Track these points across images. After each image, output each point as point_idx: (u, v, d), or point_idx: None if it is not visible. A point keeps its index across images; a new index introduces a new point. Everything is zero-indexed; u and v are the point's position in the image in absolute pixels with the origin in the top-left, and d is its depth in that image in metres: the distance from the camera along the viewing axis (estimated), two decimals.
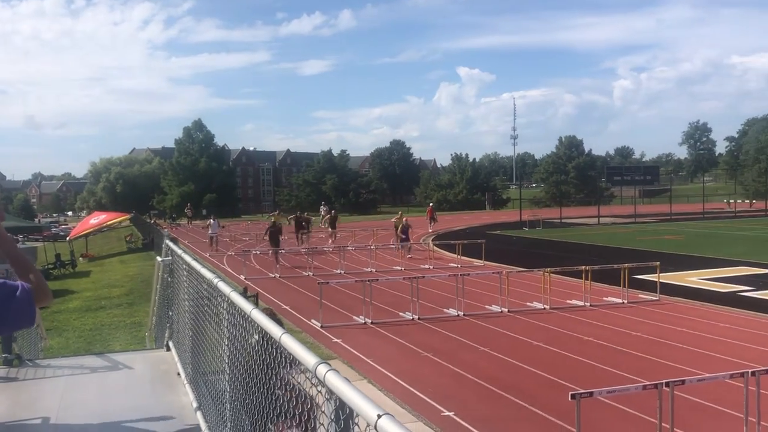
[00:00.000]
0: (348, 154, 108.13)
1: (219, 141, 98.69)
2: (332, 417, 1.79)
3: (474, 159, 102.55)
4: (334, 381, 1.71)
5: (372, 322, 13.90)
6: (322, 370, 1.76)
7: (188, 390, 5.33)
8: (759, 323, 13.35)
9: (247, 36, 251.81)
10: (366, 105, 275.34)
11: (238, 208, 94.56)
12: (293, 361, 2.75)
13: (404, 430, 1.37)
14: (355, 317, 14.33)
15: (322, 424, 2.42)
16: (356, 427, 1.63)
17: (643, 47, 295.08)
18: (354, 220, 59.99)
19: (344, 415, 1.71)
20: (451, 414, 8.33)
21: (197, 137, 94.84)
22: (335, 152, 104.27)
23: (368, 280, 15.61)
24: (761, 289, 17.02)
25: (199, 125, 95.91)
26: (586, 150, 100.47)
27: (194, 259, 5.26)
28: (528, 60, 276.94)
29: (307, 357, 1.93)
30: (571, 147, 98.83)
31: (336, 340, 12.46)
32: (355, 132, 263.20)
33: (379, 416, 1.44)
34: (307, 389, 3.30)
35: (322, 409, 2.09)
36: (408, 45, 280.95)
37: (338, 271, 22.01)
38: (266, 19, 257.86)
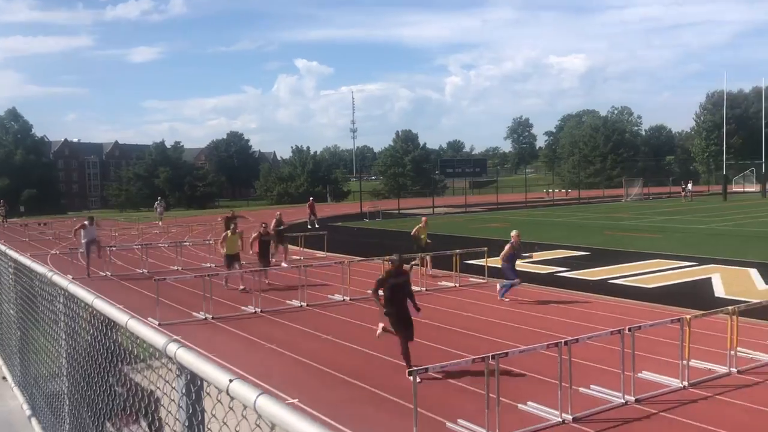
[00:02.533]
0: (182, 146, 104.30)
1: (37, 132, 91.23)
2: (183, 391, 1.88)
3: (315, 152, 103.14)
4: (186, 356, 1.80)
5: (213, 318, 13.68)
6: (172, 348, 1.84)
7: (17, 393, 5.03)
8: (573, 300, 14.82)
9: (66, 18, 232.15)
10: (200, 95, 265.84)
11: (62, 204, 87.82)
12: (135, 357, 2.77)
13: (252, 390, 1.50)
14: (195, 313, 14.01)
15: (160, 418, 2.48)
16: (207, 397, 1.74)
17: (471, 46, 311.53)
18: (191, 214, 58.10)
19: (196, 387, 1.81)
20: (295, 401, 8.49)
21: (12, 128, 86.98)
22: (168, 144, 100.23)
23: (208, 275, 15.30)
24: (575, 270, 18.87)
25: (13, 114, 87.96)
26: (422, 144, 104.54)
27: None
28: (365, 54, 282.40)
29: (156, 338, 1.99)
30: (407, 141, 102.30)
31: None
32: (190, 123, 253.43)
33: (230, 381, 1.57)
34: (146, 385, 3.32)
35: (171, 397, 2.15)
36: (243, 34, 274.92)
37: (175, 268, 21.30)
38: (88, 2, 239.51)
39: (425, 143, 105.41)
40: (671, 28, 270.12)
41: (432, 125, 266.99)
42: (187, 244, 26.33)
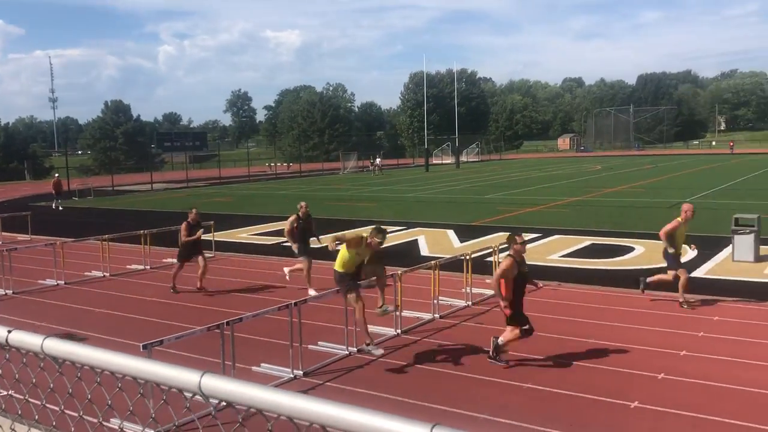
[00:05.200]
0: None
1: None
2: None
3: (7, 123, 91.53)
4: None
5: None
6: None
7: None
8: (299, 267, 15.55)
9: None
10: None
11: None
12: None
13: (36, 335, 1.57)
14: None
15: None
16: None
17: (185, 14, 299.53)
18: None
19: None
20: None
21: None
22: None
23: None
24: None
25: None
26: (135, 115, 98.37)
27: None
28: (62, 15, 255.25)
29: None
30: (118, 112, 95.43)
31: None
32: None
33: (9, 332, 1.61)
34: None
35: None
36: None
37: None
38: None
39: (139, 115, 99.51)
40: (378, 10, 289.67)
41: (145, 96, 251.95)
42: None
